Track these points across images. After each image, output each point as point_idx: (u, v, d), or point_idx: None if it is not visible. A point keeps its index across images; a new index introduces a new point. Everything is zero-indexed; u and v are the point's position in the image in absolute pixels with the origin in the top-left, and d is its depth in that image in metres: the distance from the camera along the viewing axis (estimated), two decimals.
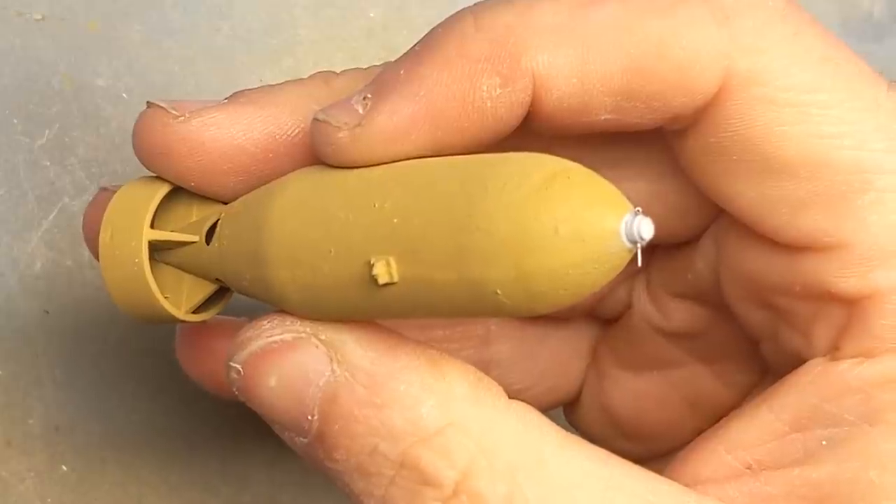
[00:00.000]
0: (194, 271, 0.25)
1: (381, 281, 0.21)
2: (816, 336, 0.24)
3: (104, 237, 0.25)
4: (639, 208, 0.19)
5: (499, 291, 0.20)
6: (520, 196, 0.19)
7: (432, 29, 0.23)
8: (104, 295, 0.25)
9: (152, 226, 0.25)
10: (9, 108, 0.32)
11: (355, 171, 0.22)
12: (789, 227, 0.24)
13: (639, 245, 0.19)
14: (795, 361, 0.24)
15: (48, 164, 0.32)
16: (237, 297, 0.25)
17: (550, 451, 0.22)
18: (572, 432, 0.22)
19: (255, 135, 0.24)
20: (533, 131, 0.23)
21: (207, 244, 0.25)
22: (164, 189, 0.25)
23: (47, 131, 0.32)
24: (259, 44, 0.36)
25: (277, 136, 0.24)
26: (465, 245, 0.20)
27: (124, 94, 0.34)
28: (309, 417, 0.22)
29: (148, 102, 0.24)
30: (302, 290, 0.22)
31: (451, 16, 0.23)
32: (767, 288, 0.25)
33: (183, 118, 0.24)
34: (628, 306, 0.29)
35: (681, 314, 0.28)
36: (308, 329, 0.22)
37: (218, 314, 0.26)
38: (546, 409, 0.31)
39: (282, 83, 0.25)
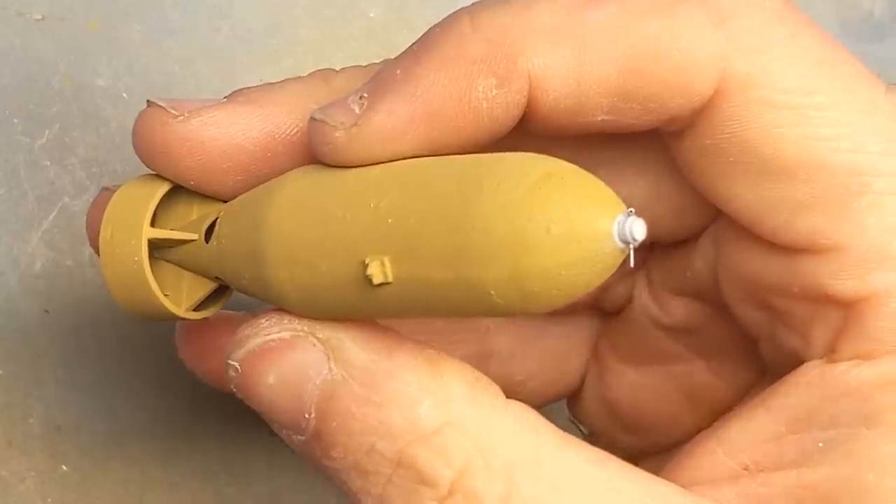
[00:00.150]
0: (194, 269, 0.26)
1: (376, 281, 0.21)
2: (814, 338, 0.24)
3: (104, 235, 0.25)
4: (632, 209, 0.19)
5: (493, 291, 0.20)
6: (514, 196, 0.19)
7: (430, 29, 0.23)
8: (105, 294, 0.25)
9: (153, 224, 0.25)
10: (9, 108, 0.32)
11: (353, 170, 0.22)
12: (787, 229, 0.24)
13: (631, 246, 0.19)
14: (793, 362, 0.25)
15: (48, 164, 0.32)
16: (239, 294, 0.26)
17: (548, 451, 0.22)
18: (572, 432, 0.22)
19: (254, 134, 0.24)
20: (530, 131, 0.23)
21: (207, 242, 0.25)
22: (163, 188, 0.25)
23: (47, 131, 0.32)
24: (259, 44, 0.36)
25: (276, 136, 0.24)
26: (459, 245, 0.20)
27: (124, 94, 0.34)
28: (306, 416, 0.22)
29: (148, 101, 0.24)
30: (299, 289, 0.22)
31: (449, 16, 0.23)
32: (765, 289, 0.25)
33: (182, 117, 0.24)
34: (629, 300, 0.29)
35: (680, 310, 0.28)
36: (306, 328, 0.22)
37: (218, 310, 0.26)
38: (548, 402, 0.31)
39: (281, 81, 0.25)
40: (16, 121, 0.32)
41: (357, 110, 0.22)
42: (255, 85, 0.26)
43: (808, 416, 0.23)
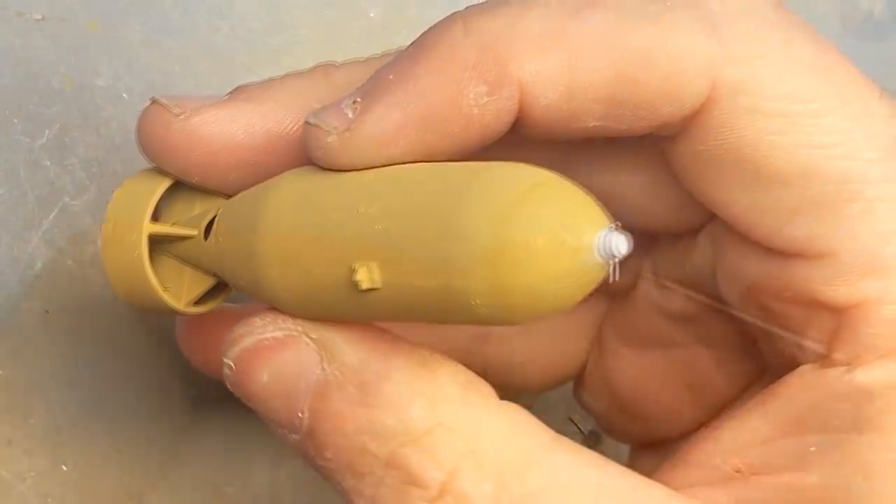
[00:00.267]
0: (194, 264, 0.26)
1: (363, 286, 0.21)
2: (807, 342, 0.24)
3: (107, 229, 0.25)
4: (617, 223, 0.19)
5: (476, 302, 0.20)
6: (497, 209, 0.19)
7: (424, 32, 0.23)
8: (105, 294, 0.25)
9: (158, 218, 0.25)
10: (9, 108, 0.32)
11: (346, 174, 0.22)
12: (779, 235, 0.24)
13: (614, 261, 0.19)
14: (789, 364, 0.25)
15: (48, 164, 0.32)
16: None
17: (540, 453, 0.22)
18: (571, 431, 0.22)
19: (254, 131, 0.25)
20: (524, 136, 0.23)
21: (206, 239, 0.25)
22: (164, 184, 0.25)
23: (47, 131, 0.32)
24: (259, 44, 0.36)
25: (276, 133, 0.25)
26: (443, 254, 0.20)
27: (124, 94, 0.34)
28: (300, 415, 0.22)
29: (151, 99, 0.25)
30: (291, 290, 0.22)
31: (443, 20, 0.23)
32: (760, 291, 0.25)
33: (184, 115, 0.24)
34: (634, 283, 0.29)
35: (682, 299, 0.28)
36: (299, 327, 0.23)
37: (219, 305, 0.27)
38: (551, 385, 0.31)
39: (282, 77, 0.26)
40: (16, 121, 0.32)
41: (350, 115, 0.22)
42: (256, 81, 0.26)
43: (802, 420, 0.23)
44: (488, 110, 0.22)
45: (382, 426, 0.21)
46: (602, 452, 0.22)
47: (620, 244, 0.19)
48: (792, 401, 0.24)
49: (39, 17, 0.33)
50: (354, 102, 0.22)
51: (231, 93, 0.25)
